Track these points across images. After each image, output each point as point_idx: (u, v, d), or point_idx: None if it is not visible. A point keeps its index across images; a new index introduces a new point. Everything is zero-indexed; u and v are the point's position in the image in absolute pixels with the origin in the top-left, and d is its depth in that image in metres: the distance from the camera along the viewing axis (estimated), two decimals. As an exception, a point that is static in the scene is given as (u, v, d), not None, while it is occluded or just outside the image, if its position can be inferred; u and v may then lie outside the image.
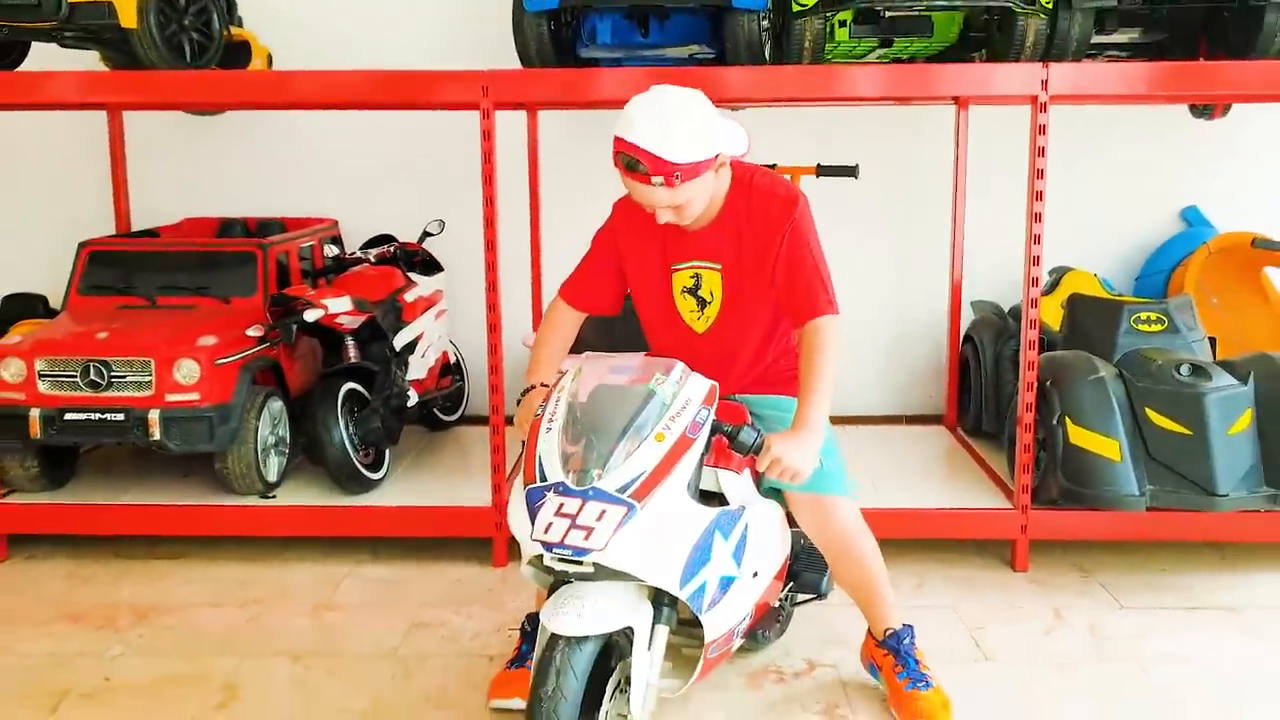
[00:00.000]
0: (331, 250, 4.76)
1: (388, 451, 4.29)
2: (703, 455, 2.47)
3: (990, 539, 3.99)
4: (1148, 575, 3.85)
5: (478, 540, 3.99)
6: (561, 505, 2.28)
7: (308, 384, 4.44)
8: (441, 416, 4.97)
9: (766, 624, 3.04)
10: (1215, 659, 3.27)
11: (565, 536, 2.24)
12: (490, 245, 3.80)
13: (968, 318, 5.05)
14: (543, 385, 2.71)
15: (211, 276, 4.28)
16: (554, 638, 2.29)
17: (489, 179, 3.75)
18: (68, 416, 3.81)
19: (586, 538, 2.23)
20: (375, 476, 4.15)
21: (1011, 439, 4.04)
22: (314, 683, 3.15)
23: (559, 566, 2.29)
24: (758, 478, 2.70)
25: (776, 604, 3.03)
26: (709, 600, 2.43)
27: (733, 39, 3.96)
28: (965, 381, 4.96)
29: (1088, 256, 5.22)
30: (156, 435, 3.79)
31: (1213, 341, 4.21)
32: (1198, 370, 3.77)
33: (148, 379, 3.80)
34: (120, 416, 3.80)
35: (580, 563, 2.26)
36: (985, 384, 4.65)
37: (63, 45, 4.23)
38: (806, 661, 3.22)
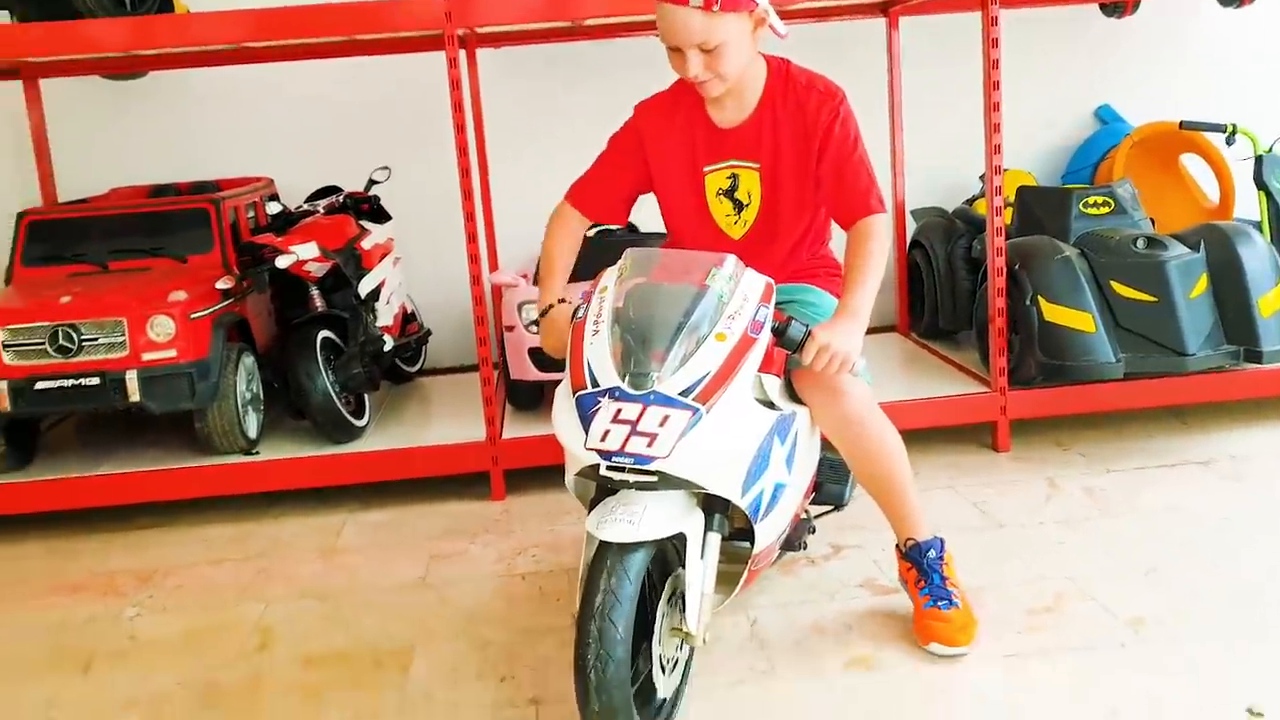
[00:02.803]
0: (275, 206, 4.63)
1: (368, 399, 4.22)
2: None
3: (973, 423, 4.12)
4: (1121, 443, 4.03)
5: (472, 477, 3.96)
6: (619, 411, 2.12)
7: (270, 339, 4.33)
8: (404, 368, 4.90)
9: (799, 534, 2.89)
10: (1204, 503, 3.46)
11: (625, 444, 2.09)
12: (465, 173, 3.76)
13: (909, 228, 5.19)
14: (562, 301, 2.58)
15: (165, 237, 4.12)
16: (604, 547, 2.14)
17: (458, 106, 3.69)
18: (39, 386, 3.64)
19: (649, 444, 2.08)
20: (359, 424, 4.08)
21: (981, 328, 4.19)
22: (350, 617, 3.09)
23: (618, 477, 2.13)
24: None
25: (804, 515, 2.91)
26: (764, 509, 2.35)
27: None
28: (913, 288, 5.11)
29: (1014, 159, 5.40)
30: (136, 397, 3.66)
31: (1152, 222, 4.43)
32: (1153, 242, 3.96)
33: (121, 339, 3.66)
34: (95, 381, 3.65)
35: (643, 471, 2.11)
36: (940, 285, 4.79)
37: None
38: (831, 546, 3.29)
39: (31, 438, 4.04)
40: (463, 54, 4.66)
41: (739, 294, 2.29)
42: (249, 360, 4.03)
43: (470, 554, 3.48)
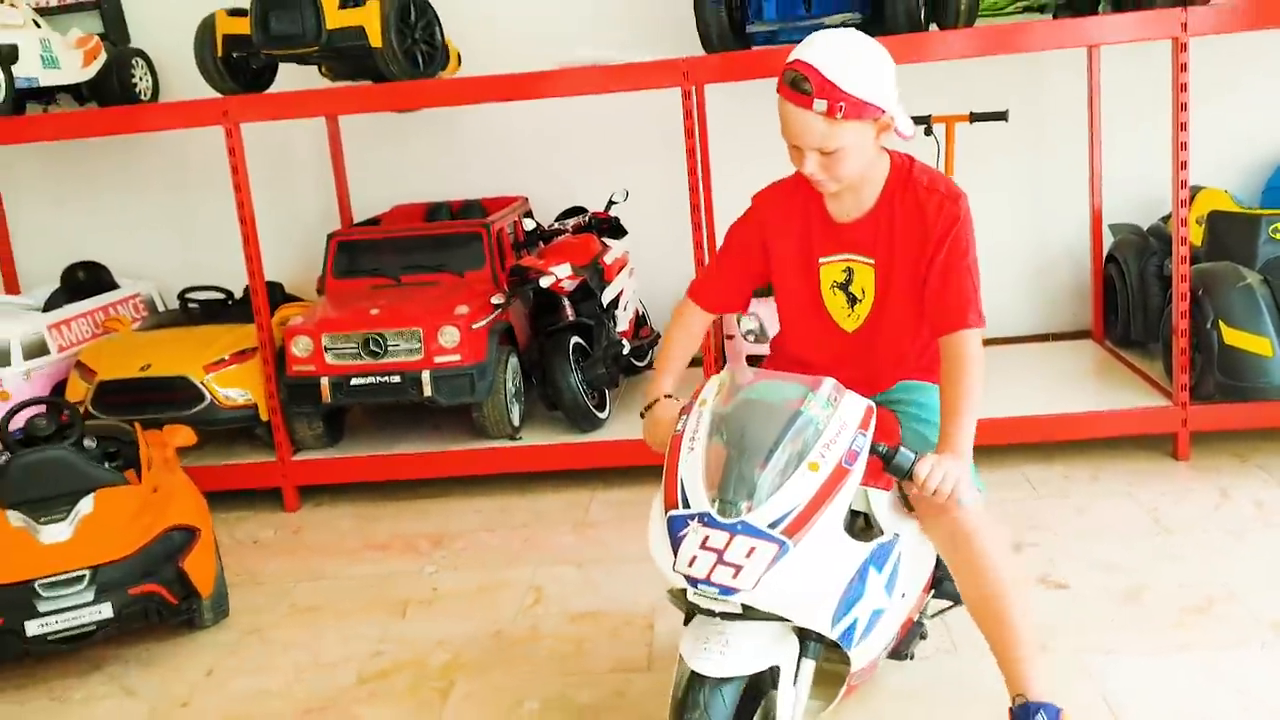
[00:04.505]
0: (530, 224, 5.38)
1: (608, 394, 4.93)
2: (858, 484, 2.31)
3: (1153, 433, 4.49)
4: (1300, 457, 4.34)
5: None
6: (707, 538, 2.14)
7: (528, 341, 5.08)
8: (635, 363, 5.58)
9: (908, 643, 2.79)
10: (1371, 520, 3.78)
11: (711, 573, 2.10)
12: (695, 208, 4.39)
13: (1107, 240, 5.52)
14: (668, 397, 2.62)
15: (446, 255, 4.93)
16: (695, 676, 2.18)
17: (692, 152, 4.34)
18: (353, 382, 4.51)
19: (735, 576, 2.09)
20: (602, 416, 4.80)
21: (1167, 345, 4.54)
22: (600, 582, 3.81)
23: (704, 604, 2.15)
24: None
25: (918, 618, 2.82)
26: (858, 636, 2.30)
27: (892, 9, 4.44)
28: (1109, 298, 5.44)
29: (1215, 174, 5.61)
30: (429, 392, 4.48)
31: (1346, 246, 4.65)
32: (1337, 271, 4.23)
33: (417, 346, 4.47)
34: (397, 379, 4.49)
35: (727, 601, 2.12)
36: (1132, 298, 5.11)
37: (302, 63, 4.88)
38: (1013, 545, 3.77)
39: (340, 421, 4.94)
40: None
41: (836, 420, 2.26)
42: (514, 360, 4.80)
43: (698, 534, 4.13)
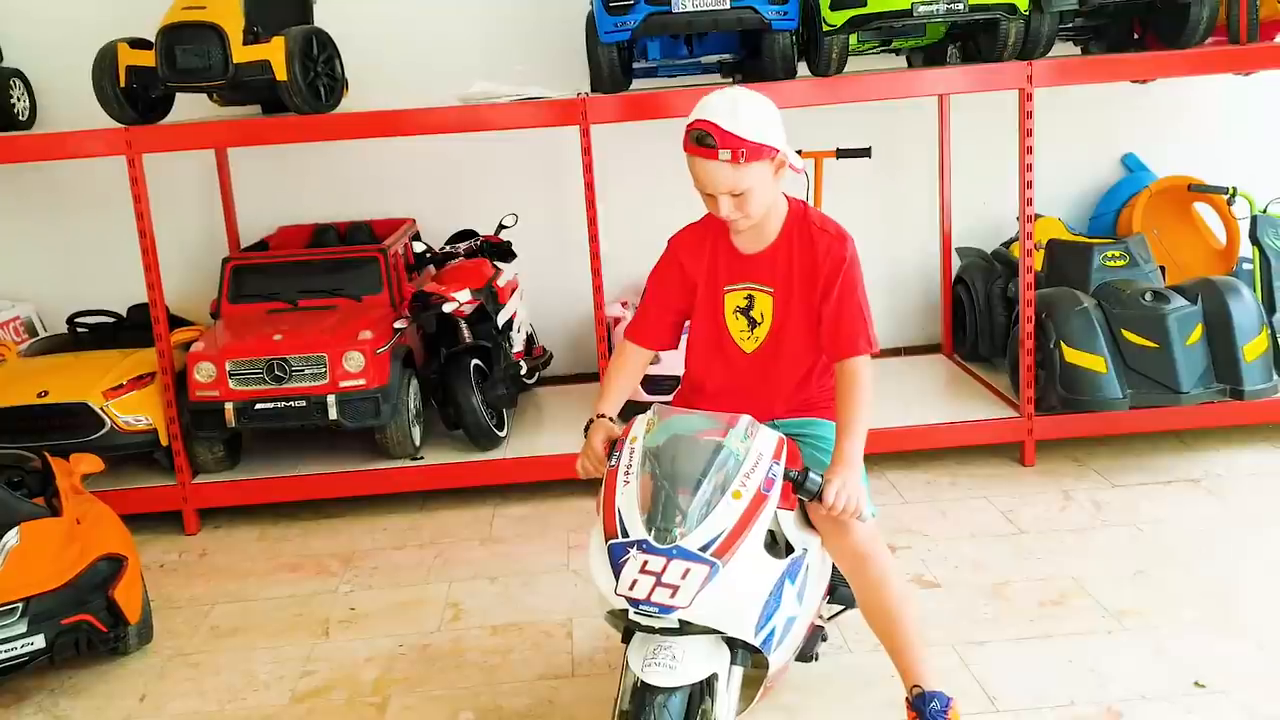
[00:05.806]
0: (419, 246, 5.55)
1: (505, 413, 5.15)
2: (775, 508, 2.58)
3: (1001, 443, 4.98)
4: (1129, 460, 4.88)
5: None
6: (645, 563, 2.38)
7: (424, 362, 5.25)
8: (525, 380, 5.81)
9: (812, 645, 3.11)
10: (1187, 516, 4.33)
11: (651, 594, 2.35)
12: (594, 239, 4.66)
13: (954, 262, 6.03)
14: (601, 417, 2.81)
15: (343, 279, 5.06)
16: (646, 688, 2.42)
17: (590, 185, 4.60)
18: (258, 407, 4.60)
19: (672, 595, 2.34)
20: (501, 434, 5.02)
21: (1014, 362, 5.04)
22: (516, 595, 4.04)
23: (645, 621, 2.40)
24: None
25: (818, 622, 3.12)
26: (776, 642, 2.59)
27: (769, 53, 4.79)
28: (957, 316, 5.96)
29: (1046, 202, 6.19)
30: (334, 416, 4.62)
31: (1163, 270, 5.25)
32: (1158, 296, 4.80)
33: (323, 370, 4.60)
34: (302, 403, 4.61)
35: (666, 618, 2.37)
36: (979, 317, 5.63)
37: (197, 91, 4.93)
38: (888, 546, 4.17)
39: (238, 443, 5.01)
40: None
41: (753, 452, 2.55)
42: (414, 382, 4.97)
43: (601, 546, 4.40)
